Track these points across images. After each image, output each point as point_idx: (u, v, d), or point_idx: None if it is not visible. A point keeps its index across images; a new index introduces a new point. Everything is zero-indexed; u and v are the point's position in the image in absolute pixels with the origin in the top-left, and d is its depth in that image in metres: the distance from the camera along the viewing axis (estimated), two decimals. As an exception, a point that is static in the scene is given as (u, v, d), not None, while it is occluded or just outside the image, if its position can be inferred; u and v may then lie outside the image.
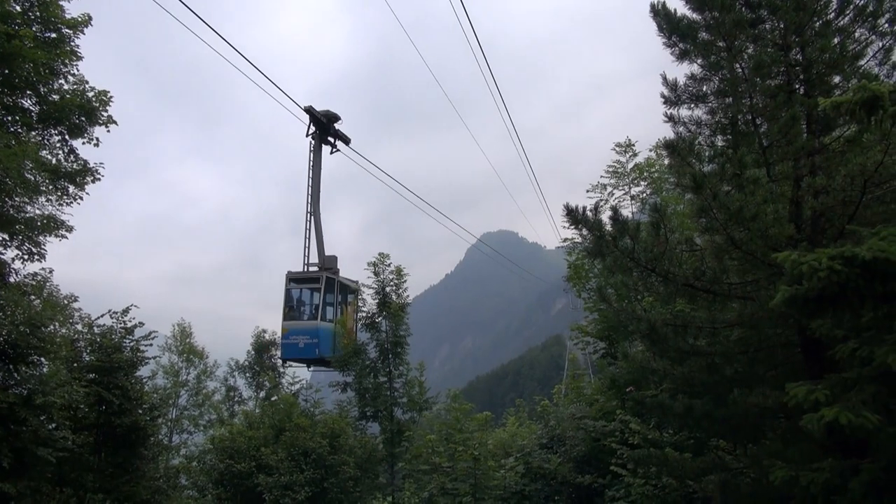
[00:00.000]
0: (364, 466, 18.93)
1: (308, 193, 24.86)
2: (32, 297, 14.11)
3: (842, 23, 10.05)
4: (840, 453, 7.99)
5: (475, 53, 15.84)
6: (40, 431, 10.60)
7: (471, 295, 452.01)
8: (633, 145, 26.33)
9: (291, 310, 24.00)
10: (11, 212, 14.48)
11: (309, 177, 24.83)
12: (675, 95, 10.79)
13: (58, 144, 16.03)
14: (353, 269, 23.75)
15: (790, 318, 8.83)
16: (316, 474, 17.18)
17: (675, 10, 10.72)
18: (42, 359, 11.26)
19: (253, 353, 32.76)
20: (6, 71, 13.99)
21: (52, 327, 12.21)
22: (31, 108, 15.23)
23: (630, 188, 26.61)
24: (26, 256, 15.44)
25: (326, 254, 24.53)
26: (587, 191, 27.37)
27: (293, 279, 24.06)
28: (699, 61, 10.61)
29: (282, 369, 31.99)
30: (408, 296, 20.82)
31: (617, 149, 26.65)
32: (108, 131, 16.38)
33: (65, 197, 16.11)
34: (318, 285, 23.59)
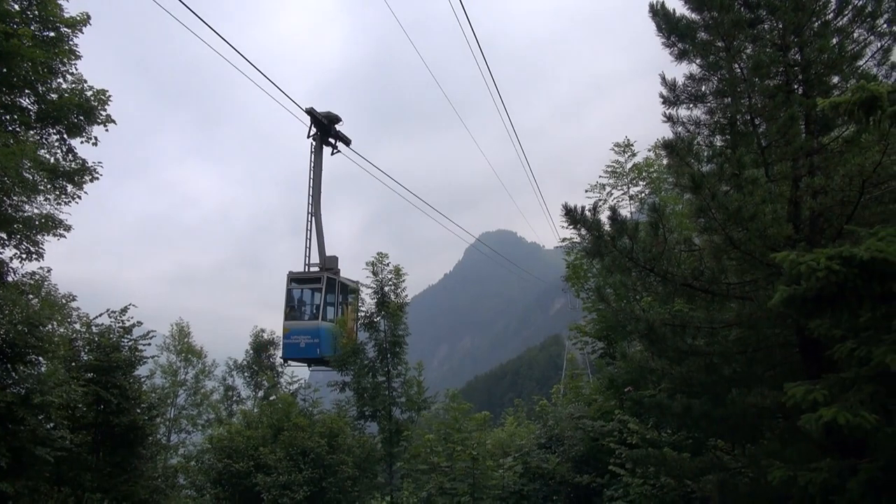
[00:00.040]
0: (362, 466, 18.91)
1: (309, 194, 24.93)
2: (30, 296, 14.10)
3: (840, 23, 10.06)
4: (838, 453, 8.01)
5: (474, 54, 15.85)
6: (38, 431, 10.58)
7: (469, 295, 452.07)
8: (632, 145, 26.37)
9: (293, 310, 24.06)
10: (10, 211, 14.47)
11: (310, 178, 24.89)
12: (673, 95, 10.80)
13: (56, 143, 16.02)
14: (352, 268, 23.83)
15: (788, 318, 8.84)
16: (314, 474, 17.16)
17: (674, 10, 10.75)
18: (40, 358, 11.24)
19: (251, 352, 32.73)
20: (4, 70, 13.98)
21: (50, 326, 12.19)
22: (29, 107, 15.22)
23: (629, 188, 26.65)
24: (24, 255, 15.43)
25: (327, 254, 24.58)
26: (586, 191, 27.41)
27: (294, 279, 24.14)
28: (698, 61, 10.62)
29: (280, 369, 31.98)
30: (406, 295, 20.82)
31: (616, 149, 26.68)
32: (107, 130, 16.39)
33: (63, 196, 16.11)
34: (319, 285, 23.67)
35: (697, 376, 10.12)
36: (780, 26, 10.16)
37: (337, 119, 24.94)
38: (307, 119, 24.03)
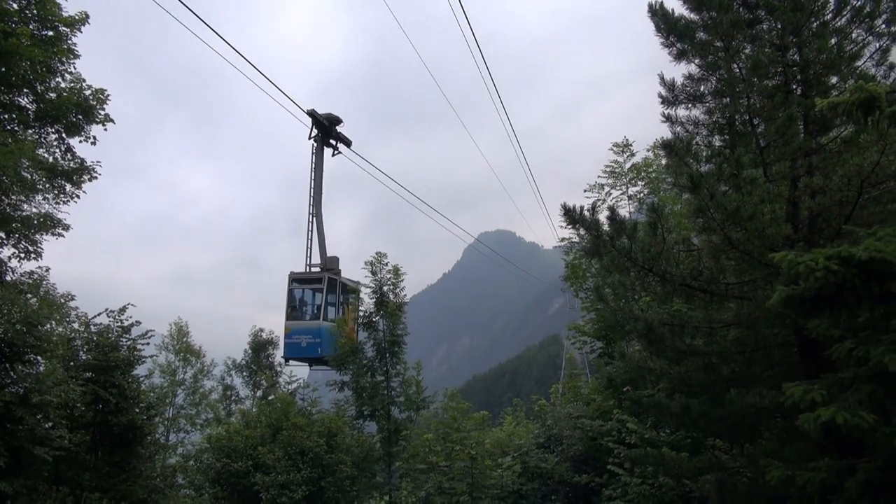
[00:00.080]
0: (361, 465, 18.91)
1: (310, 195, 25.04)
2: (29, 295, 14.08)
3: (839, 23, 10.08)
4: (836, 453, 8.02)
5: (474, 54, 15.85)
6: (37, 430, 10.57)
7: (468, 294, 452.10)
8: (631, 145, 26.43)
9: (294, 310, 24.16)
10: (8, 210, 14.46)
11: (311, 179, 25.01)
12: (672, 95, 10.81)
13: (55, 143, 16.01)
14: (351, 268, 23.88)
15: (787, 318, 8.86)
16: (313, 473, 17.15)
17: (673, 10, 10.75)
18: (38, 357, 11.23)
19: (250, 352, 32.74)
20: (3, 69, 13.97)
21: (48, 326, 12.19)
22: (27, 106, 15.20)
23: (627, 188, 26.71)
24: (23, 255, 15.42)
25: (328, 254, 24.67)
26: (585, 191, 27.47)
27: (296, 279, 24.25)
28: (697, 61, 10.62)
29: (279, 368, 32.00)
30: (405, 295, 20.82)
31: (614, 149, 26.74)
32: (106, 130, 16.38)
33: (62, 195, 16.10)
34: (320, 286, 23.76)
35: (696, 376, 10.13)
36: (779, 26, 10.17)
37: (338, 121, 25.06)
38: (307, 119, 24.08)
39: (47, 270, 15.72)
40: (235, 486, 17.22)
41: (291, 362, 24.94)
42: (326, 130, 24.75)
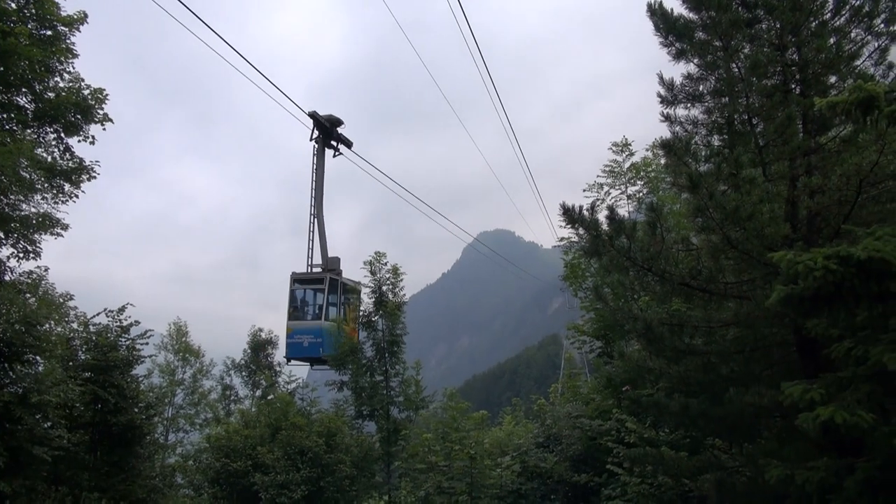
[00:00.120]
0: (360, 465, 18.92)
1: (311, 196, 25.21)
2: (28, 295, 14.08)
3: (838, 23, 10.08)
4: (835, 452, 8.02)
5: (473, 53, 15.83)
6: (36, 430, 10.57)
7: (468, 294, 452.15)
8: (630, 145, 26.41)
9: (296, 310, 24.35)
10: (7, 210, 14.45)
11: (312, 180, 25.18)
12: (671, 95, 10.80)
13: (53, 142, 16.02)
14: (350, 267, 23.94)
15: (786, 318, 8.86)
16: (312, 473, 17.16)
17: (672, 9, 10.74)
18: (37, 357, 11.23)
19: (249, 351, 32.74)
20: (1, 68, 13.96)
21: (47, 326, 12.20)
22: (26, 105, 15.20)
23: (626, 187, 26.70)
24: (21, 255, 15.42)
25: (328, 255, 24.79)
26: (584, 190, 27.44)
27: (297, 280, 24.44)
28: (696, 61, 10.62)
29: (278, 368, 32.00)
30: (404, 294, 20.82)
31: (613, 148, 26.72)
32: (104, 129, 16.38)
33: (60, 195, 16.09)
34: (321, 286, 23.93)
35: (695, 375, 10.13)
36: (778, 26, 10.17)
37: (339, 122, 25.26)
38: (308, 120, 24.15)
39: (46, 270, 15.75)
40: (234, 486, 17.22)
41: (293, 362, 25.05)
42: (328, 132, 24.94)
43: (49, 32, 15.07)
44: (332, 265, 24.38)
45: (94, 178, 16.66)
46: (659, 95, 10.93)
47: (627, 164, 26.49)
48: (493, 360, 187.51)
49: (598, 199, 26.48)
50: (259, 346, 32.74)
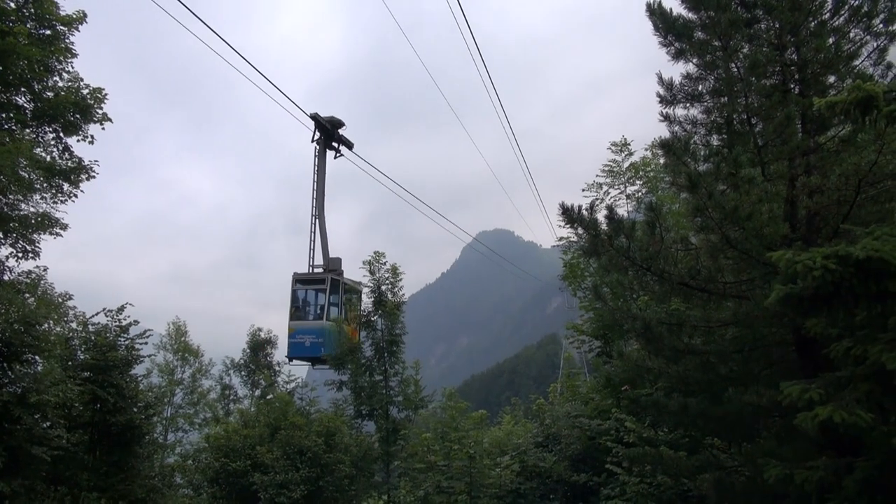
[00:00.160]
0: (360, 465, 18.90)
1: (313, 197, 25.35)
2: (27, 295, 14.07)
3: (837, 23, 10.09)
4: (834, 451, 8.02)
5: (472, 53, 15.83)
6: (35, 430, 10.57)
7: (467, 294, 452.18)
8: (629, 144, 26.43)
9: (298, 310, 24.49)
10: (6, 209, 14.45)
11: (314, 181, 25.32)
12: (670, 95, 10.82)
13: (52, 142, 16.01)
14: (349, 267, 24.10)
15: (785, 317, 8.87)
16: (311, 473, 17.14)
17: (671, 9, 10.76)
18: (36, 357, 11.22)
19: (248, 351, 32.74)
20: (0, 68, 13.94)
21: (46, 325, 12.18)
22: (25, 105, 15.19)
23: (626, 187, 26.72)
24: (20, 254, 15.41)
25: (329, 255, 24.90)
26: (583, 190, 27.47)
27: (299, 280, 24.58)
28: (695, 61, 10.63)
29: (277, 368, 32.01)
30: (403, 294, 20.80)
31: (613, 148, 26.74)
32: (103, 129, 16.37)
33: (59, 195, 16.09)
34: (323, 286, 24.06)
35: (694, 375, 10.14)
36: (777, 26, 10.17)
37: (340, 124, 25.40)
38: (308, 119, 24.18)
39: (45, 270, 15.75)
40: (234, 486, 17.20)
41: (294, 361, 25.17)
42: (329, 134, 25.13)
43: (48, 32, 15.06)
44: (333, 266, 24.54)
45: (94, 177, 16.66)
46: (658, 95, 10.94)
47: (626, 164, 26.53)
48: (492, 359, 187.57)
49: (597, 199, 26.51)
50: (258, 345, 32.74)
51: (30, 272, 15.47)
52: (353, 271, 24.50)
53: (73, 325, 14.62)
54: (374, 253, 20.36)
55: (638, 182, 26.50)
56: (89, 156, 18.39)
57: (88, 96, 15.69)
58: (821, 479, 7.35)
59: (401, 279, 20.50)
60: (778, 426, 10.09)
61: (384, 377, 19.89)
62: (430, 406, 21.81)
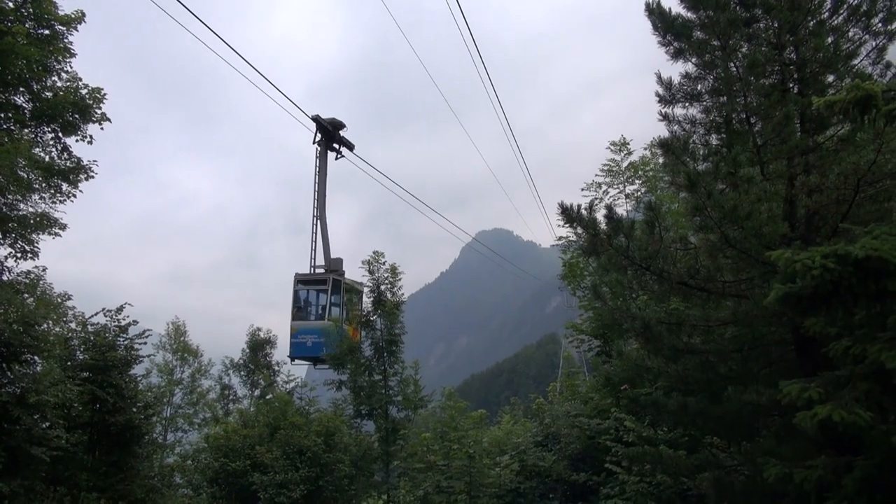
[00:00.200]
0: (359, 465, 18.90)
1: (314, 198, 25.53)
2: (26, 295, 14.05)
3: (836, 22, 10.10)
4: (833, 450, 8.03)
5: (471, 52, 15.84)
6: (34, 430, 10.56)
7: (466, 293, 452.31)
8: (628, 144, 26.43)
9: (299, 310, 24.64)
10: (4, 209, 14.44)
11: (315, 183, 25.48)
12: (669, 94, 10.81)
13: (51, 142, 16.00)
14: (349, 266, 24.28)
15: (784, 316, 8.87)
16: (311, 472, 17.14)
17: (670, 8, 10.75)
18: (35, 357, 11.21)
19: (248, 351, 32.73)
20: (-1, 68, 13.94)
21: (45, 326, 12.17)
22: (24, 105, 15.18)
23: (625, 186, 26.72)
24: (19, 254, 15.40)
25: (331, 256, 25.02)
26: (582, 189, 27.47)
27: (301, 281, 24.80)
28: (694, 60, 10.63)
29: (277, 368, 32.01)
30: (402, 294, 20.80)
31: (612, 147, 26.75)
32: (102, 129, 16.37)
33: (58, 195, 16.08)
34: (325, 287, 24.20)
35: (693, 374, 10.14)
36: (776, 25, 10.18)
37: (341, 125, 25.55)
38: (308, 120, 24.23)
39: (44, 270, 15.72)
40: (233, 486, 17.21)
41: (296, 361, 25.29)
42: (330, 135, 25.31)
43: (47, 32, 15.05)
44: (334, 266, 24.74)
45: (92, 177, 16.66)
46: (657, 94, 10.93)
47: (626, 163, 26.53)
48: (492, 359, 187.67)
49: (596, 198, 26.50)
50: (257, 345, 32.74)
51: (29, 272, 15.47)
52: (353, 271, 24.61)
53: (73, 325, 14.61)
54: (374, 252, 20.37)
55: (637, 181, 26.51)
56: (88, 156, 18.44)
57: (87, 96, 15.69)
58: (820, 477, 7.35)
59: (400, 279, 20.51)
60: (777, 425, 10.10)
61: (383, 377, 19.89)
62: (430, 406, 21.82)
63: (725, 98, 10.36)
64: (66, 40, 15.27)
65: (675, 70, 10.78)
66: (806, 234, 9.25)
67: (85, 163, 16.36)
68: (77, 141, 16.14)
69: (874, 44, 10.04)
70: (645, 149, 25.47)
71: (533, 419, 22.76)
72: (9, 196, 14.24)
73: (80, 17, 15.36)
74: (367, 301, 20.75)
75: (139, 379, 15.36)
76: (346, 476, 17.95)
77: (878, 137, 7.82)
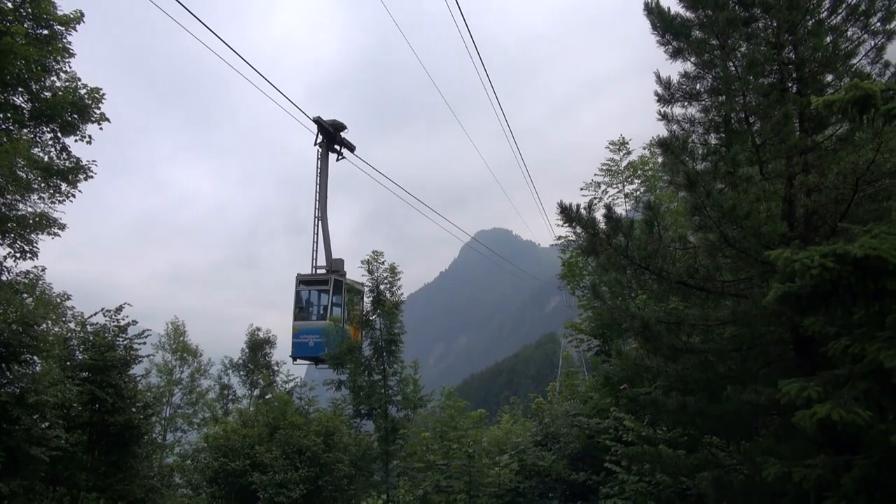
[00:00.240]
0: (359, 464, 18.90)
1: (316, 199, 25.62)
2: (25, 295, 14.05)
3: (834, 21, 10.11)
4: (832, 449, 8.04)
5: (470, 52, 15.83)
6: (33, 430, 10.56)
7: (465, 293, 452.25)
8: (627, 143, 26.43)
9: (301, 310, 24.77)
10: (3, 210, 14.42)
11: (316, 184, 25.54)
12: (668, 93, 10.82)
13: (50, 142, 15.98)
14: (348, 266, 24.45)
15: (783, 316, 8.88)
16: (310, 472, 17.14)
17: (669, 8, 10.76)
18: (35, 357, 11.21)
19: (247, 351, 32.70)
20: (-2, 68, 13.93)
21: (44, 326, 12.17)
22: (22, 105, 15.17)
23: (624, 186, 26.72)
24: (18, 254, 15.38)
25: (332, 257, 25.14)
26: (581, 189, 27.48)
27: (303, 281, 24.94)
28: (693, 59, 10.64)
29: (276, 367, 31.98)
30: (402, 293, 20.82)
31: (611, 147, 26.75)
32: (101, 129, 16.34)
33: (57, 195, 16.06)
34: (326, 287, 24.30)
35: (692, 373, 10.15)
36: (775, 24, 10.18)
37: (342, 127, 25.66)
38: (309, 121, 24.26)
39: (43, 270, 15.70)
40: (233, 486, 17.20)
41: (298, 361, 25.38)
42: (332, 137, 25.39)
43: (45, 32, 15.03)
44: (336, 267, 24.83)
45: (92, 177, 16.64)
46: (656, 94, 10.94)
47: (625, 163, 26.53)
48: (491, 358, 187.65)
49: (595, 198, 26.49)
50: (257, 345, 32.71)
51: (28, 272, 15.45)
52: (353, 271, 24.62)
53: (72, 325, 14.60)
54: (373, 252, 20.39)
55: (636, 181, 26.51)
56: (87, 156, 18.39)
57: (86, 96, 15.68)
58: (819, 477, 7.36)
59: (399, 278, 20.54)
60: (776, 424, 10.11)
61: (383, 376, 19.90)
62: (429, 405, 21.83)
63: (724, 97, 10.37)
64: (64, 40, 15.26)
65: (674, 69, 10.81)
66: (805, 234, 9.26)
67: (84, 163, 16.35)
68: (76, 141, 16.14)
69: (873, 43, 10.05)
70: (644, 148, 25.51)
71: (532, 419, 22.76)
72: (8, 196, 14.23)
73: (78, 17, 15.34)
74: (366, 301, 20.78)
75: (138, 379, 15.37)
76: (346, 476, 17.95)
77: (877, 137, 7.83)
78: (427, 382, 22.00)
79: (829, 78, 10.19)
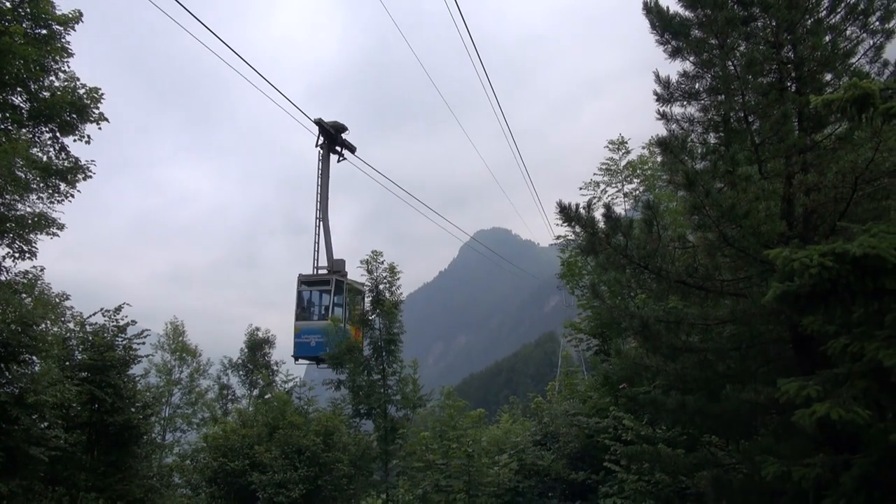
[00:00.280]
0: (358, 464, 18.91)
1: (317, 200, 25.67)
2: (24, 295, 14.03)
3: (833, 21, 10.11)
4: (831, 448, 8.05)
5: (469, 52, 15.84)
6: (32, 430, 10.55)
7: (465, 292, 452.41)
8: (626, 143, 26.44)
9: (303, 311, 24.90)
10: (2, 210, 14.41)
11: (317, 185, 25.60)
12: (667, 93, 10.82)
13: (49, 142, 15.97)
14: (349, 267, 24.61)
15: (782, 315, 8.88)
16: (310, 472, 17.14)
17: (668, 7, 10.75)
18: (34, 357, 11.20)
19: (246, 351, 32.69)
20: (-4, 68, 13.92)
21: (43, 326, 12.15)
22: (21, 105, 15.16)
23: (623, 185, 26.73)
24: (17, 254, 15.37)
25: (333, 257, 25.28)
26: (580, 188, 27.48)
27: (304, 281, 25.11)
28: (692, 59, 10.63)
29: (275, 367, 31.98)
30: (401, 293, 20.82)
31: (610, 146, 26.75)
32: (100, 129, 16.34)
33: (56, 195, 16.05)
34: (328, 287, 24.42)
35: (692, 373, 10.15)
36: (774, 24, 10.18)
37: (343, 128, 25.81)
38: (309, 121, 24.28)
39: (42, 270, 15.67)
40: (232, 485, 17.20)
41: (300, 361, 25.47)
42: (332, 138, 25.53)
43: (44, 31, 15.02)
44: (337, 267, 24.94)
45: (91, 177, 16.63)
46: (655, 93, 10.94)
47: (624, 162, 26.54)
48: (491, 358, 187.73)
49: (594, 197, 26.48)
50: (256, 345, 32.71)
51: (27, 272, 15.42)
52: (352, 271, 24.66)
53: (71, 325, 14.58)
54: (372, 252, 20.38)
55: (635, 180, 26.52)
56: (86, 156, 18.34)
57: (85, 96, 15.66)
58: (818, 475, 7.36)
59: (399, 278, 20.53)
60: (775, 423, 10.11)
61: (382, 376, 19.89)
62: (429, 405, 21.82)
63: (723, 96, 10.36)
64: (63, 40, 15.25)
65: (674, 69, 10.81)
66: (804, 233, 9.26)
67: (83, 162, 16.34)
68: (75, 141, 16.14)
69: (872, 42, 10.05)
70: (643, 147, 25.50)
71: (532, 418, 22.76)
72: (6, 196, 14.22)
73: (77, 17, 15.33)
74: (366, 300, 20.79)
75: (138, 379, 15.36)
76: (345, 475, 17.95)
77: (876, 136, 7.83)
78: (426, 382, 21.99)
79: (828, 77, 10.20)
